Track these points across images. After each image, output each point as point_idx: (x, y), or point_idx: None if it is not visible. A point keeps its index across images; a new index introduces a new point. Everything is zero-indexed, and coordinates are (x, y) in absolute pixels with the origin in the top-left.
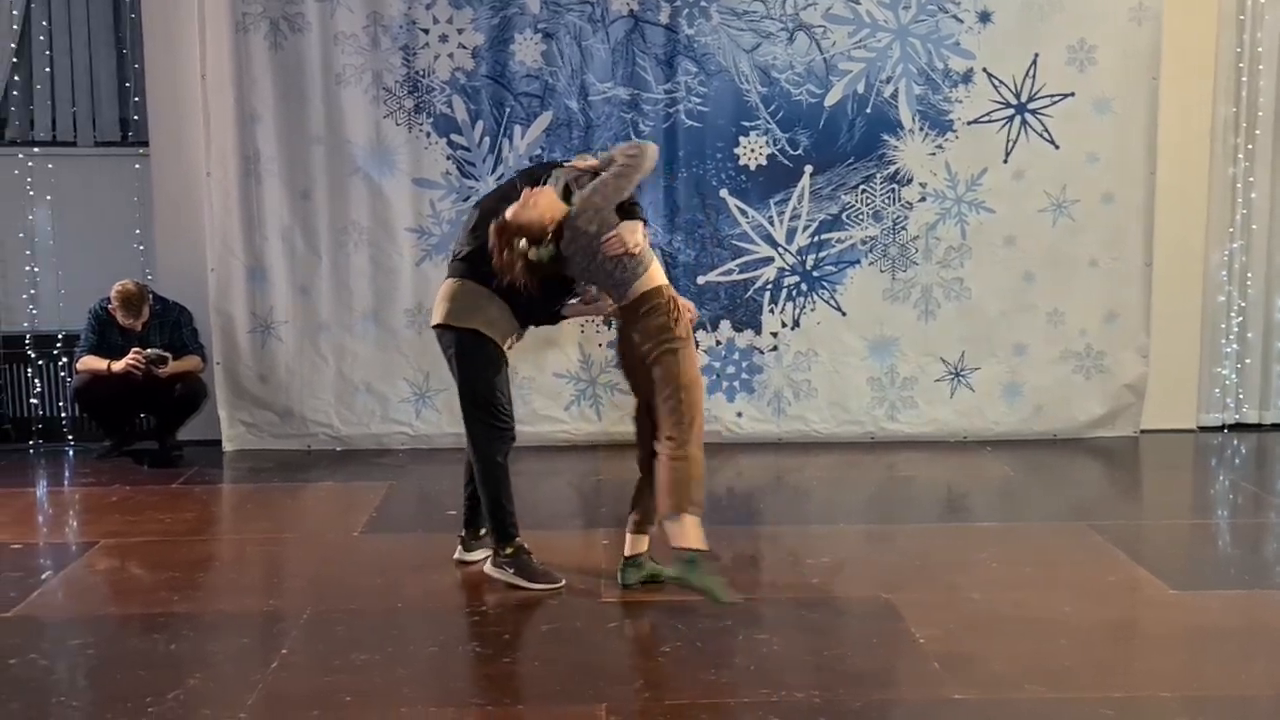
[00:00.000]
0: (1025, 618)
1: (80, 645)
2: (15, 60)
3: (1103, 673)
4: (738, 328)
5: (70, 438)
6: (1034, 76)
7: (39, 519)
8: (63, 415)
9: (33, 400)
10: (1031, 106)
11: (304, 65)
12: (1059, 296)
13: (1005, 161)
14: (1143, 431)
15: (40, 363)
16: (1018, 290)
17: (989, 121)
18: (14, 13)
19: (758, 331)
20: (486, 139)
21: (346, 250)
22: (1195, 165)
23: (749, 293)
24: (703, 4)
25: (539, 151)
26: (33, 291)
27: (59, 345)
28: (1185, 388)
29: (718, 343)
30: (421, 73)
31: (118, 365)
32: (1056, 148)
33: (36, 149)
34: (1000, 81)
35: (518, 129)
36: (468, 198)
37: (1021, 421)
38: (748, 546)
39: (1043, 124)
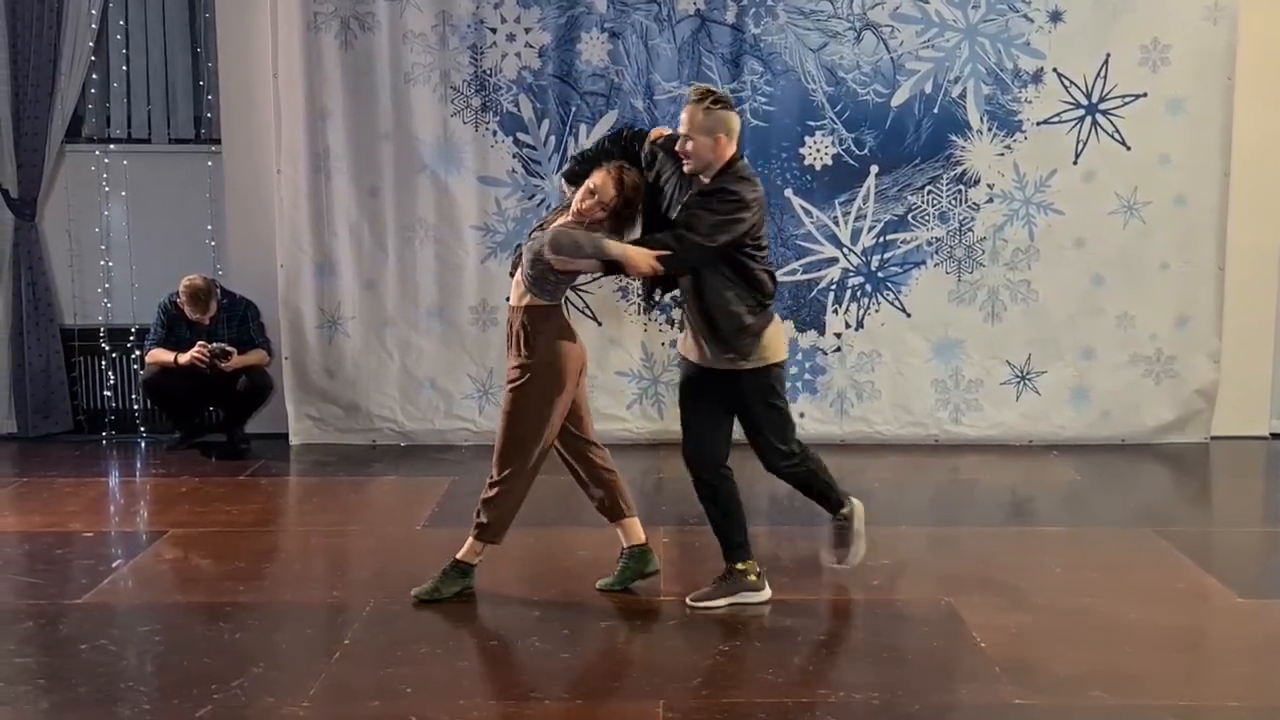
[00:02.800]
0: (1089, 623)
1: (148, 632)
2: (93, 59)
3: (1168, 680)
4: (801, 328)
5: (142, 429)
6: (1105, 76)
7: (110, 508)
8: (135, 407)
9: (106, 392)
10: (1103, 107)
11: (373, 64)
12: (1129, 300)
13: (1075, 162)
14: (1213, 438)
15: (114, 355)
16: (1086, 293)
17: (1059, 122)
18: (92, 12)
19: (821, 332)
20: (552, 138)
21: (413, 247)
22: (1270, 166)
23: (813, 293)
24: (769, 3)
25: None
26: (107, 285)
27: (132, 338)
28: (1258, 394)
29: None
30: (489, 71)
31: (183, 358)
32: (1128, 149)
33: (112, 145)
34: (1071, 81)
35: (583, 128)
36: (533, 196)
37: (1089, 426)
38: (808, 547)
39: (1114, 125)
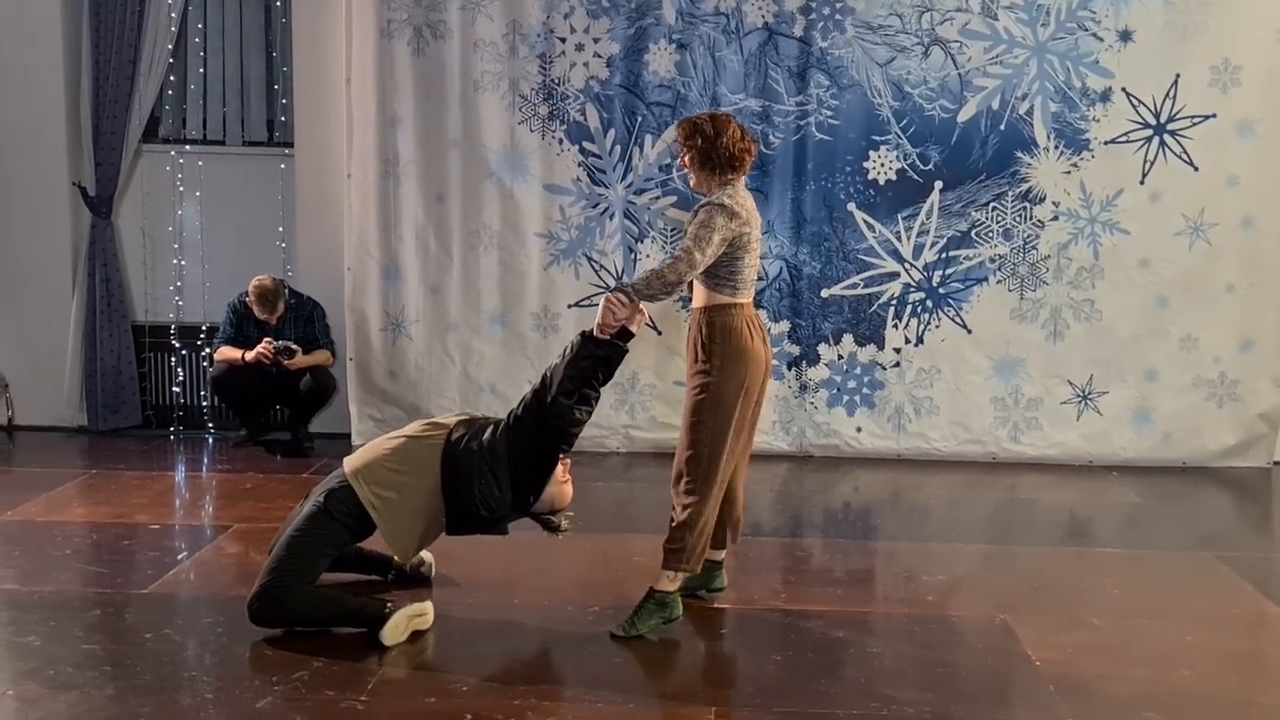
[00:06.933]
0: (1146, 645)
1: (211, 624)
2: (171, 61)
3: (1224, 705)
4: (860, 342)
5: (209, 426)
6: (1174, 97)
7: (176, 502)
8: (203, 404)
9: (175, 389)
10: (1171, 127)
11: (444, 71)
12: (1193, 322)
13: (1142, 183)
14: (1276, 463)
15: (184, 352)
16: (1150, 314)
17: (1126, 142)
18: (172, 16)
19: (880, 347)
20: (618, 147)
21: (477, 252)
22: None
23: (873, 307)
24: (837, 18)
25: (669, 160)
26: (179, 284)
27: (202, 336)
28: None
29: (839, 357)
30: (557, 80)
31: (249, 354)
32: (1195, 170)
33: (187, 146)
34: (1139, 101)
35: (649, 138)
36: (596, 204)
37: (1150, 448)
38: (862, 561)
39: (1182, 145)
